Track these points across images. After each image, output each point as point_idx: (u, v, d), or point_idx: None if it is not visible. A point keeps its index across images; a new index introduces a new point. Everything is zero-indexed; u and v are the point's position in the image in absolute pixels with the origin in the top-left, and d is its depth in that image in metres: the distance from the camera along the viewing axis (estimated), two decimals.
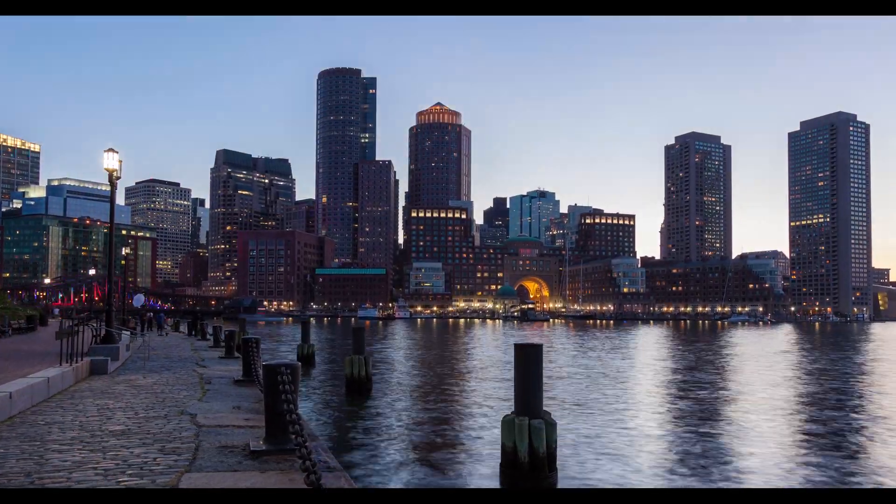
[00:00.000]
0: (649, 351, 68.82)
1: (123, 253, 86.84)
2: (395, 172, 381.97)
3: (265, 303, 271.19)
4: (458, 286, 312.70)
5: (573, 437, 20.94)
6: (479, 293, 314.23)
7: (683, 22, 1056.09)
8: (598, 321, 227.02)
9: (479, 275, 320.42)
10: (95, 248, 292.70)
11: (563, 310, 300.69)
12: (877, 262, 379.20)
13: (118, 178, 22.83)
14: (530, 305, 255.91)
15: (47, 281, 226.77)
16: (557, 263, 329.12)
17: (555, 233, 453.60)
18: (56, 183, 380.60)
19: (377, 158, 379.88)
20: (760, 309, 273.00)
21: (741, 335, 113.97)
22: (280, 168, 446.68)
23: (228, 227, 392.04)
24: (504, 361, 51.09)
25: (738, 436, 22.06)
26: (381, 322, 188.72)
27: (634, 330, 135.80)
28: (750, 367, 49.97)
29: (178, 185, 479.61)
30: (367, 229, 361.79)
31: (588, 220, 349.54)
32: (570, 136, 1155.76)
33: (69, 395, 14.24)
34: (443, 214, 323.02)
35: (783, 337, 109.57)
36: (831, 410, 28.29)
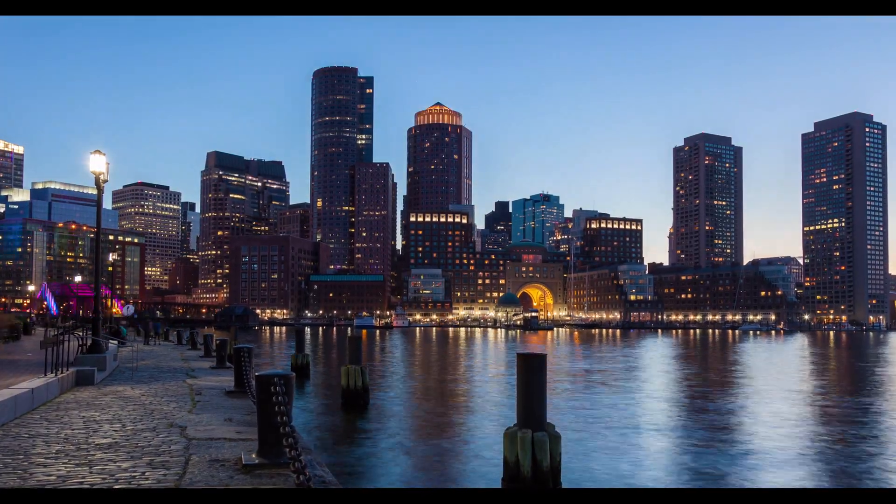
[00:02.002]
0: (657, 368, 68.80)
1: (111, 259, 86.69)
2: (392, 175, 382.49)
3: (258, 311, 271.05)
4: (459, 294, 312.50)
5: (578, 451, 20.90)
6: (481, 301, 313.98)
7: (693, 20, 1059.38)
8: (605, 330, 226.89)
9: (480, 282, 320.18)
10: (81, 255, 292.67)
11: (568, 318, 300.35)
12: (894, 269, 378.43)
13: (105, 181, 22.83)
14: (533, 314, 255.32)
15: (31, 288, 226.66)
16: (562, 270, 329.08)
17: (559, 238, 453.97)
18: (40, 186, 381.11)
19: (374, 161, 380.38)
20: (773, 317, 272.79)
21: (756, 349, 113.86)
22: (273, 171, 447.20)
23: (220, 233, 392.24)
24: (506, 372, 51.04)
25: (754, 468, 22.02)
26: (378, 331, 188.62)
27: (641, 342, 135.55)
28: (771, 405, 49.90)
29: (167, 188, 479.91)
30: (364, 234, 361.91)
31: (594, 225, 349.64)
32: (575, 138, 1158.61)
33: (54, 406, 14.24)
34: (442, 219, 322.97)
35: (803, 353, 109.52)
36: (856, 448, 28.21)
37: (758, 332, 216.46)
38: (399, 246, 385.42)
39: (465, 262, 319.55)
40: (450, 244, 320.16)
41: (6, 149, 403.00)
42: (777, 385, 44.47)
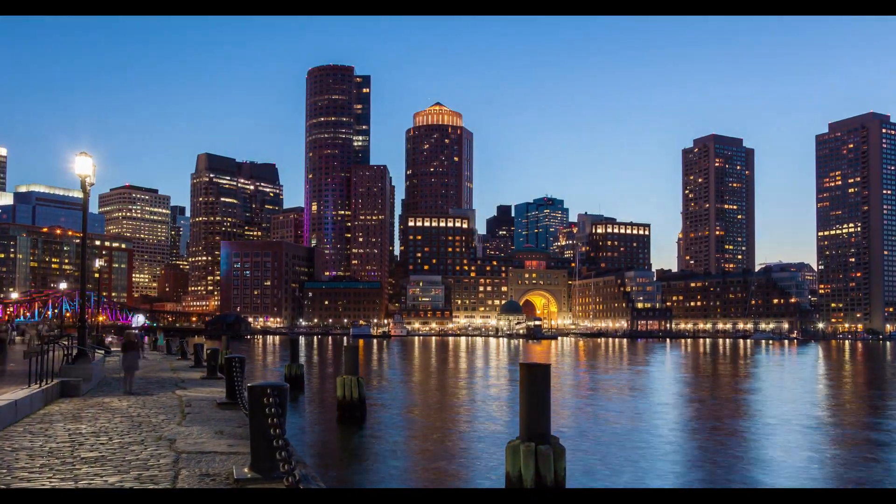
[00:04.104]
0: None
1: (97, 265, 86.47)
2: (390, 178, 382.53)
3: (250, 319, 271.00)
4: (459, 301, 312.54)
5: (582, 465, 20.88)
6: (482, 309, 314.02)
7: (702, 18, 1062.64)
8: (611, 340, 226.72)
9: (481, 289, 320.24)
10: (67, 260, 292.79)
11: (573, 327, 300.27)
12: None
13: (91, 184, 22.86)
14: (537, 322, 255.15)
15: (14, 295, 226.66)
16: (566, 277, 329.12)
17: (563, 243, 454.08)
18: (24, 189, 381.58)
19: (371, 163, 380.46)
20: (786, 326, 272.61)
21: (770, 364, 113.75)
22: (266, 173, 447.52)
23: (211, 238, 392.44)
24: (508, 383, 51.00)
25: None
26: (375, 340, 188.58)
27: (648, 356, 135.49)
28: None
29: (156, 191, 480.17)
30: (361, 240, 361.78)
31: (599, 230, 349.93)
32: (581, 139, 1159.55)
33: (38, 418, 14.24)
34: (442, 224, 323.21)
35: (819, 372, 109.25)
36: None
37: (770, 342, 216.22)
38: (397, 252, 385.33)
39: (466, 268, 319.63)
40: (450, 250, 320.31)
41: None
42: (793, 408, 44.45)
